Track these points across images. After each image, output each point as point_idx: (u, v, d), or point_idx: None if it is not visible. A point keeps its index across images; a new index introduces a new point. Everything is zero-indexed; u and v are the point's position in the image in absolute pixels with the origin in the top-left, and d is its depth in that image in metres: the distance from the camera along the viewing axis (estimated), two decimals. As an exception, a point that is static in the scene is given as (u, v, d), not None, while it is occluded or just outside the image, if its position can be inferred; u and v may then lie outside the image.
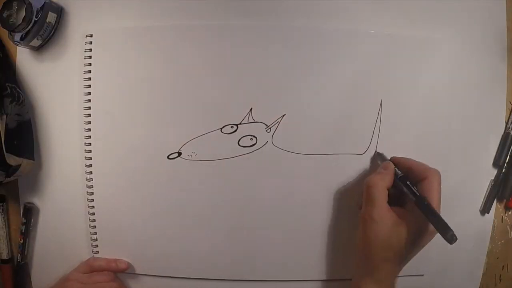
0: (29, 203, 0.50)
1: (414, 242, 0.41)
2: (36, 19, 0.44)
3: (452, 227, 0.39)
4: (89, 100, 0.48)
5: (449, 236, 0.37)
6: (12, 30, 0.44)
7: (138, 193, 0.49)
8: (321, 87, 0.48)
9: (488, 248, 0.52)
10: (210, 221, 0.49)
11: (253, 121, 0.48)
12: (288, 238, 0.50)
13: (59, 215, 0.51)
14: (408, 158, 0.45)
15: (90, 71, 0.48)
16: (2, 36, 0.49)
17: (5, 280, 0.51)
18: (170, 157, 0.48)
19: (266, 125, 0.48)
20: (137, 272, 0.51)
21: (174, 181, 0.49)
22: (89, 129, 0.48)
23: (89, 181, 0.49)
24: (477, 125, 0.51)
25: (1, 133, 0.45)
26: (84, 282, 0.47)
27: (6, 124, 0.45)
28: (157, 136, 0.48)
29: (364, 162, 0.49)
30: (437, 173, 0.42)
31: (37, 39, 0.46)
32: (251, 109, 0.48)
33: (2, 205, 0.51)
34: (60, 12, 0.48)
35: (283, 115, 0.48)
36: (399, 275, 0.49)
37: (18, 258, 0.51)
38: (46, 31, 0.46)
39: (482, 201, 0.51)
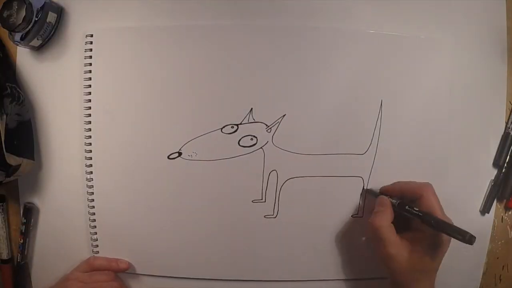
0: (29, 203, 0.50)
1: (434, 255, 0.42)
2: (36, 19, 0.44)
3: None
4: (89, 100, 0.48)
5: (468, 239, 0.38)
6: (12, 30, 0.44)
7: (138, 193, 0.49)
8: (322, 87, 0.48)
9: (488, 248, 0.52)
10: (211, 221, 0.49)
11: (253, 121, 0.48)
12: (288, 238, 0.50)
13: (59, 215, 0.51)
14: (396, 183, 0.47)
15: (90, 71, 0.48)
16: (2, 36, 0.49)
17: (5, 280, 0.51)
18: (170, 157, 0.48)
19: (266, 125, 0.48)
20: (137, 272, 0.51)
21: (174, 181, 0.49)
22: (89, 129, 0.48)
23: (89, 181, 0.49)
24: (477, 125, 0.51)
25: (1, 133, 0.45)
26: (85, 281, 0.47)
27: (6, 124, 0.45)
28: (157, 136, 0.48)
29: (364, 162, 0.49)
30: (430, 186, 0.44)
31: (37, 39, 0.46)
32: (252, 109, 0.48)
33: (2, 205, 0.51)
34: (60, 12, 0.48)
35: (284, 115, 0.48)
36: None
37: (18, 258, 0.51)
38: (46, 31, 0.46)
39: (482, 201, 0.51)
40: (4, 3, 0.43)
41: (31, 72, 0.49)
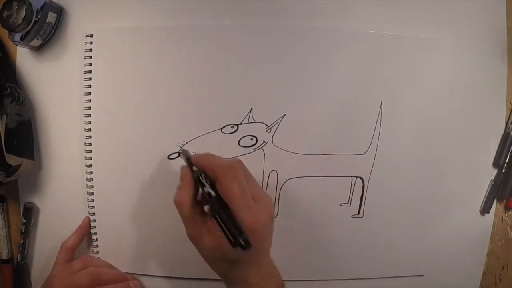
0: (29, 203, 0.50)
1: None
2: (36, 19, 0.44)
3: (452, 227, 0.39)
4: (90, 100, 0.48)
5: (242, 241, 0.32)
6: (12, 30, 0.44)
7: (138, 193, 0.49)
8: (322, 87, 0.48)
9: (488, 248, 0.52)
10: None
11: (253, 121, 0.48)
12: (289, 238, 0.50)
13: (59, 215, 0.50)
14: (204, 156, 0.40)
15: (90, 71, 0.48)
16: (2, 36, 0.49)
17: (5, 280, 0.51)
18: (170, 157, 0.48)
19: (266, 125, 0.48)
20: (137, 272, 0.51)
21: (174, 181, 0.49)
22: (89, 129, 0.48)
23: (90, 181, 0.49)
24: (477, 125, 0.51)
25: (1, 133, 0.45)
26: (65, 274, 0.46)
27: (6, 124, 0.45)
28: (157, 136, 0.48)
29: (365, 162, 0.49)
30: (230, 170, 0.37)
31: (37, 39, 0.46)
32: (252, 109, 0.48)
33: (2, 205, 0.51)
34: (60, 12, 0.48)
35: (284, 115, 0.48)
36: (400, 275, 0.49)
37: (18, 258, 0.51)
38: (46, 31, 0.46)
39: (482, 201, 0.51)
40: (4, 3, 0.43)
41: (31, 72, 0.49)
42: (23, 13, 0.43)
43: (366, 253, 0.50)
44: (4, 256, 0.51)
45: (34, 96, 0.49)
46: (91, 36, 0.48)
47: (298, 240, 0.50)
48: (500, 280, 0.53)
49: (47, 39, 0.48)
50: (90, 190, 0.49)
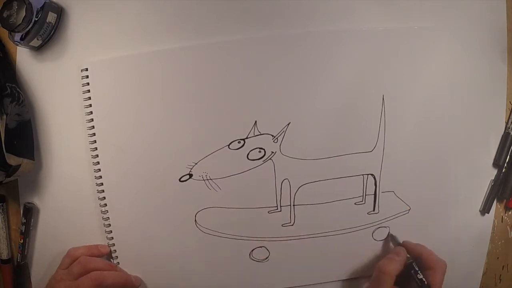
0: (29, 203, 0.50)
1: None
2: (36, 19, 0.44)
3: (452, 227, 0.40)
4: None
5: None
6: (12, 30, 0.44)
7: (152, 218, 0.49)
8: (322, 90, 0.48)
9: (488, 248, 0.52)
10: (229, 238, 0.49)
11: (259, 133, 0.48)
12: (308, 243, 0.50)
13: (59, 215, 0.50)
14: (418, 245, 0.48)
15: (89, 98, 0.48)
16: (2, 36, 0.49)
17: (5, 280, 0.51)
18: (182, 179, 0.48)
19: (272, 135, 0.48)
20: None
21: (188, 203, 0.49)
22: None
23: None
24: (477, 125, 0.51)
25: (1, 133, 0.45)
26: (68, 279, 0.46)
27: (6, 124, 0.45)
28: (166, 160, 0.48)
29: (374, 159, 0.49)
30: (444, 265, 0.46)
31: (37, 39, 0.46)
32: (256, 122, 0.48)
33: (2, 205, 0.51)
34: (60, 12, 0.48)
35: (288, 123, 0.48)
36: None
37: (18, 258, 0.51)
38: (46, 31, 0.46)
39: (482, 201, 0.51)
40: (4, 3, 0.43)
41: (31, 72, 0.49)
42: (23, 13, 0.43)
43: (383, 253, 0.50)
44: (4, 256, 0.51)
45: (34, 96, 0.49)
46: (86, 70, 0.48)
47: (318, 245, 0.50)
48: (500, 280, 0.53)
49: (47, 39, 0.48)
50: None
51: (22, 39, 0.45)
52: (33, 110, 0.49)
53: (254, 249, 0.50)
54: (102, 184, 0.49)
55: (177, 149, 0.48)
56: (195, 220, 0.49)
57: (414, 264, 0.46)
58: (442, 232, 0.51)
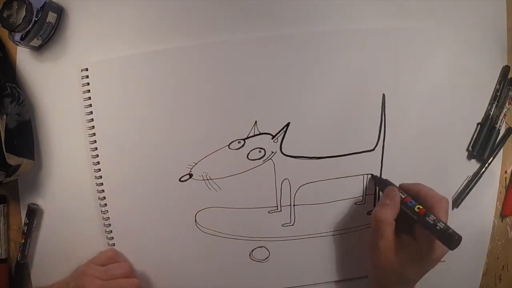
0: (33, 204, 0.50)
1: (418, 268, 0.43)
2: (36, 19, 0.44)
3: (452, 227, 0.39)
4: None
5: (451, 243, 0.39)
6: (12, 30, 0.44)
7: (152, 219, 0.49)
8: (322, 89, 0.48)
9: (488, 248, 0.52)
10: (229, 237, 0.49)
11: (259, 133, 0.48)
12: (308, 243, 0.50)
13: (59, 215, 0.50)
14: (416, 184, 0.46)
15: (89, 98, 0.48)
16: (2, 36, 0.49)
17: (1, 279, 0.51)
18: (182, 179, 0.48)
19: (272, 135, 0.48)
20: None
21: (188, 202, 0.49)
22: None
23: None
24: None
25: (1, 133, 0.45)
26: (101, 277, 0.45)
27: (6, 124, 0.45)
28: (166, 160, 0.48)
29: (375, 158, 0.49)
30: (445, 202, 0.43)
31: (37, 39, 0.46)
32: (256, 121, 0.48)
33: (3, 206, 0.51)
34: (60, 12, 0.48)
35: (288, 123, 0.48)
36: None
37: (18, 257, 0.51)
38: (46, 31, 0.46)
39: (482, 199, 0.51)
40: (4, 3, 0.43)
41: (31, 72, 0.49)
42: (23, 13, 0.43)
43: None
44: (2, 255, 0.51)
45: (34, 96, 0.49)
46: (86, 70, 0.48)
47: (317, 244, 0.50)
48: (500, 280, 0.53)
49: (47, 39, 0.48)
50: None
51: (22, 39, 0.45)
52: (33, 110, 0.49)
53: (254, 249, 0.50)
54: (102, 184, 0.49)
55: (177, 149, 0.48)
56: (195, 220, 0.49)
57: (405, 198, 0.43)
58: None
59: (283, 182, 0.49)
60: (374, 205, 0.50)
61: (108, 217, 0.49)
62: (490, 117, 0.50)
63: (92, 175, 0.49)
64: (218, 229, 0.49)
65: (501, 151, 0.51)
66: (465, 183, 0.50)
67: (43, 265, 0.51)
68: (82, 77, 0.48)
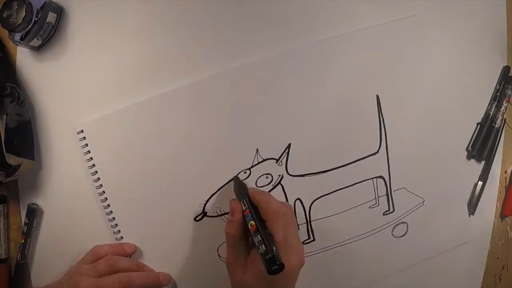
0: (33, 204, 0.50)
1: (268, 286, 0.39)
2: (36, 19, 0.44)
3: (452, 227, 0.39)
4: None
5: (269, 267, 0.34)
6: (12, 30, 0.44)
7: (171, 255, 0.49)
8: (317, 102, 0.48)
9: (488, 248, 0.52)
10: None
11: (262, 160, 0.48)
12: (329, 255, 0.50)
13: (59, 214, 0.50)
14: (260, 193, 0.43)
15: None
16: (2, 36, 0.49)
17: (1, 279, 0.51)
18: (197, 219, 0.48)
19: (276, 159, 0.48)
20: None
21: (207, 239, 0.49)
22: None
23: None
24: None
25: (1, 133, 0.45)
26: (93, 275, 0.45)
27: (6, 124, 0.45)
28: (178, 202, 0.48)
29: (380, 161, 0.49)
30: (282, 217, 0.40)
31: (37, 39, 0.46)
32: (257, 149, 0.47)
33: (3, 206, 0.51)
34: (60, 12, 0.48)
35: (289, 144, 0.48)
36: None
37: (18, 257, 0.51)
38: (46, 31, 0.46)
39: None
40: (4, 3, 0.43)
41: (31, 72, 0.49)
42: (23, 13, 0.43)
43: (397, 247, 0.50)
44: (2, 255, 0.51)
45: (34, 96, 0.49)
46: (82, 131, 0.48)
47: (341, 253, 0.50)
48: (500, 280, 0.53)
49: (47, 39, 0.48)
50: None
51: (22, 39, 0.45)
52: (33, 110, 0.49)
53: None
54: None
55: (186, 190, 0.48)
56: (218, 254, 0.49)
57: (250, 215, 0.40)
58: (443, 231, 0.50)
59: (296, 202, 0.48)
60: (389, 206, 0.50)
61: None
62: (490, 117, 0.50)
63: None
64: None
65: (501, 151, 0.51)
66: (478, 189, 0.50)
67: (43, 265, 0.51)
68: (80, 139, 0.48)
